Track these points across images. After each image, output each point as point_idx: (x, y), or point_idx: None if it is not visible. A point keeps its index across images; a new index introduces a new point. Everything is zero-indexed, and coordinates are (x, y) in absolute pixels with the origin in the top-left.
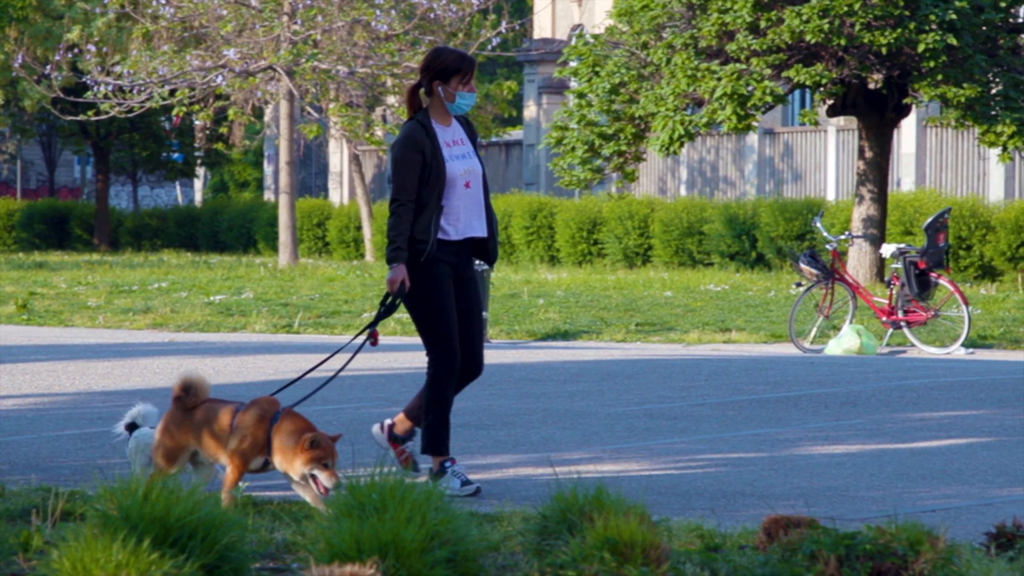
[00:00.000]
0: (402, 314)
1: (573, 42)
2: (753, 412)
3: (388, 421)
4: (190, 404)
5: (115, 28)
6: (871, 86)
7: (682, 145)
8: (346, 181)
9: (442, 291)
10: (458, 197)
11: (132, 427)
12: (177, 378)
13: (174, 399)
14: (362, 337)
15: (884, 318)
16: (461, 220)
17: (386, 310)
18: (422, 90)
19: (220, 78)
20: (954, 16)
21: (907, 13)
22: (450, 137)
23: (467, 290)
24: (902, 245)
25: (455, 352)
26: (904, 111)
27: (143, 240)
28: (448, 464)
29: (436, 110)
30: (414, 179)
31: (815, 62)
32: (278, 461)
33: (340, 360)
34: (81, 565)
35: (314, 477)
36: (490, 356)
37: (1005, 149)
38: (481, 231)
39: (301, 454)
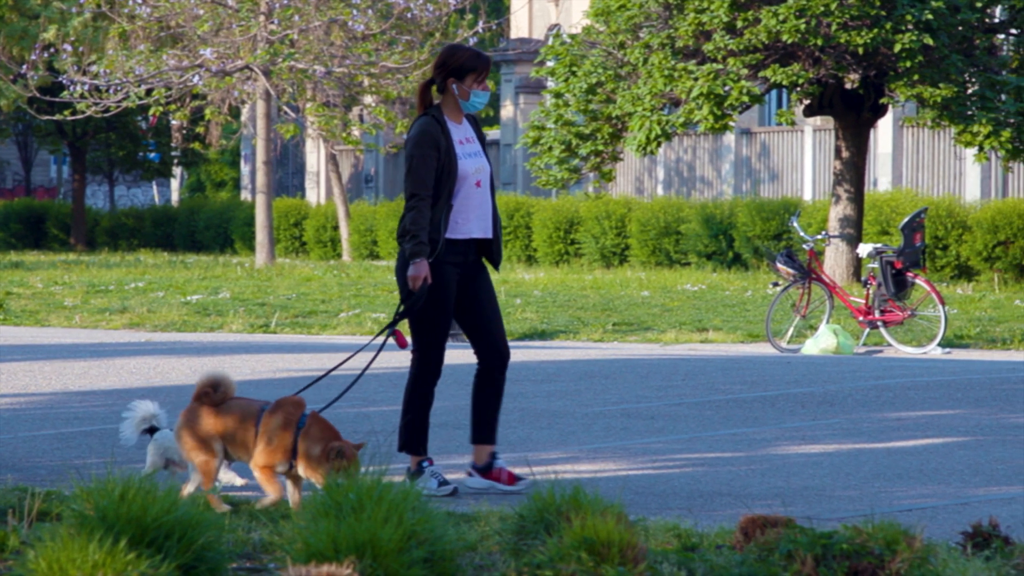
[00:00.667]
0: (378, 313)
1: (550, 42)
2: (730, 412)
3: (468, 468)
4: (216, 401)
5: (91, 27)
6: (848, 86)
7: (659, 145)
8: (323, 181)
9: (446, 296)
10: (468, 195)
11: (152, 430)
12: (204, 375)
13: (199, 395)
14: (382, 337)
15: (861, 318)
16: (470, 219)
17: (408, 308)
18: (434, 87)
19: (197, 78)
20: (930, 16)
21: (883, 13)
22: (462, 135)
23: (478, 283)
24: (879, 245)
25: (442, 359)
26: (881, 111)
27: (120, 240)
28: (425, 464)
29: (449, 107)
30: (431, 174)
31: (792, 62)
32: (302, 468)
33: (356, 360)
34: (58, 565)
35: None
36: (468, 355)
37: (981, 149)
38: (487, 232)
39: (325, 463)
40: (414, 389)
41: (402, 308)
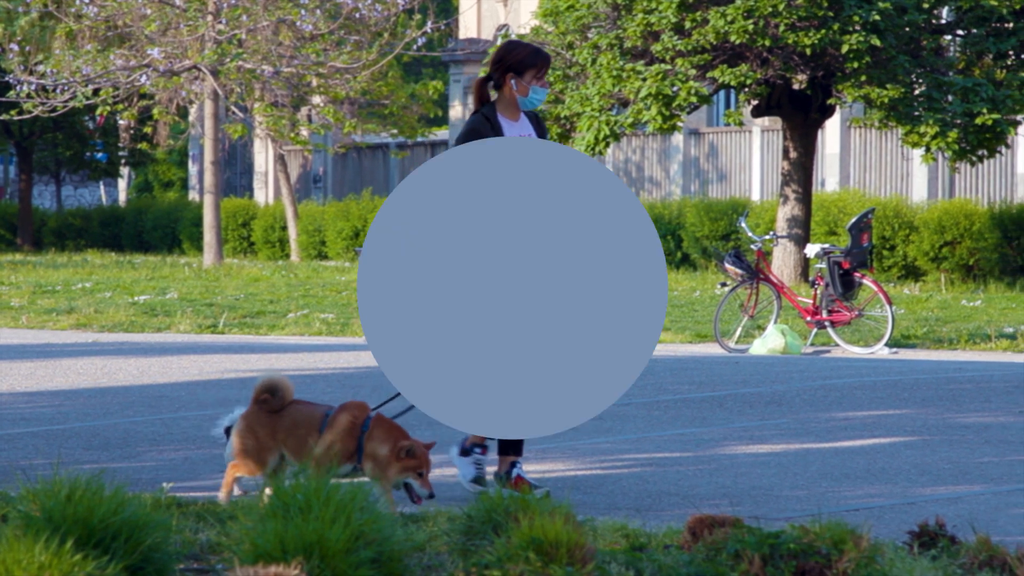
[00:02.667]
0: (327, 313)
1: (498, 42)
2: (678, 412)
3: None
4: (275, 407)
5: (38, 27)
6: (795, 87)
7: (607, 145)
8: (271, 181)
9: None
10: None
11: (230, 430)
12: (261, 380)
13: (256, 401)
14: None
15: (808, 318)
16: None
17: None
18: (490, 84)
19: (144, 77)
20: (877, 17)
21: (831, 14)
22: (517, 132)
23: None
24: (826, 245)
25: None
26: (828, 112)
27: (67, 240)
28: (478, 451)
29: (504, 104)
30: None
31: (740, 63)
32: (369, 468)
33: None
34: (3, 567)
35: (407, 486)
36: None
37: (928, 150)
38: None
39: (396, 463)
40: None
41: None
